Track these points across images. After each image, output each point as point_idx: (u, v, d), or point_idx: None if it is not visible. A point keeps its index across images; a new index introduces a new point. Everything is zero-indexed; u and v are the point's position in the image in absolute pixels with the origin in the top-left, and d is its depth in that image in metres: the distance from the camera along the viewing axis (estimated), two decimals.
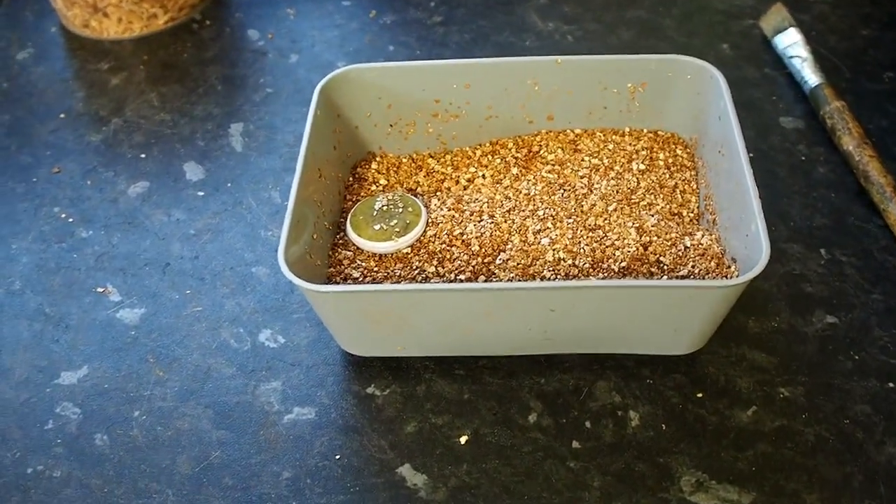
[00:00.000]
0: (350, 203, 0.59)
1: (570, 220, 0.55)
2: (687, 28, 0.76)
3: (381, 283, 0.54)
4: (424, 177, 0.60)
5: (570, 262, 0.53)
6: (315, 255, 0.53)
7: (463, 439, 0.51)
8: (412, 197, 0.57)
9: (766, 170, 0.64)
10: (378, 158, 0.62)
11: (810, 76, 0.67)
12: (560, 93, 0.60)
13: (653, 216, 0.55)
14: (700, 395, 0.52)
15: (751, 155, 0.64)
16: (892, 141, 0.65)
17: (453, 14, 0.78)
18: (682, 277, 0.52)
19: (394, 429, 0.51)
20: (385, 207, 0.56)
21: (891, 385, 0.52)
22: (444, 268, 0.54)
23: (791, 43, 0.70)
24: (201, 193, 0.65)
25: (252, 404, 0.53)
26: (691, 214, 0.57)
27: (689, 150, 0.60)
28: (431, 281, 0.53)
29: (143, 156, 0.69)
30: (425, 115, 0.61)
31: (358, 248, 0.56)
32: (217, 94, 0.73)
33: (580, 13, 0.77)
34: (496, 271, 0.54)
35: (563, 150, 0.60)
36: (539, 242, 0.54)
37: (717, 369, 0.53)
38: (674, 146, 0.60)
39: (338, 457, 0.50)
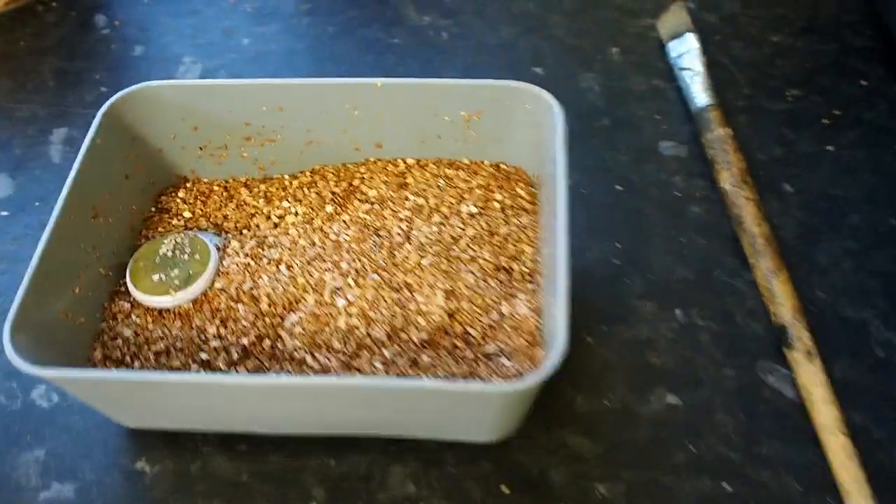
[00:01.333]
0: (142, 241, 0.52)
1: (376, 277, 0.48)
2: (577, 26, 0.67)
3: (154, 343, 0.47)
4: (234, 209, 0.53)
5: (363, 330, 0.46)
6: (79, 311, 0.47)
7: None
8: (204, 240, 0.50)
9: (632, 207, 0.56)
10: (188, 185, 0.55)
11: (699, 94, 0.59)
12: (386, 119, 0.52)
13: (472, 273, 0.48)
14: (506, 489, 0.45)
15: (619, 188, 0.56)
16: (783, 175, 0.57)
17: (322, 2, 0.70)
18: (487, 356, 0.45)
19: None
20: (170, 253, 0.50)
21: (724, 485, 0.45)
22: (226, 328, 0.47)
23: (685, 51, 0.61)
24: (5, 213, 0.59)
25: (8, 476, 0.47)
26: (524, 269, 0.49)
27: (532, 191, 0.52)
28: (210, 343, 0.47)
29: None
30: (237, 139, 0.53)
31: (137, 300, 0.49)
32: (47, 92, 0.66)
33: (460, 5, 0.68)
34: (283, 335, 0.47)
35: (386, 185, 0.52)
36: (334, 303, 0.47)
37: (530, 457, 0.46)
38: (514, 184, 0.52)
39: None
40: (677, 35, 0.62)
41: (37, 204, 0.59)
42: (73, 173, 0.47)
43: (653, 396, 0.48)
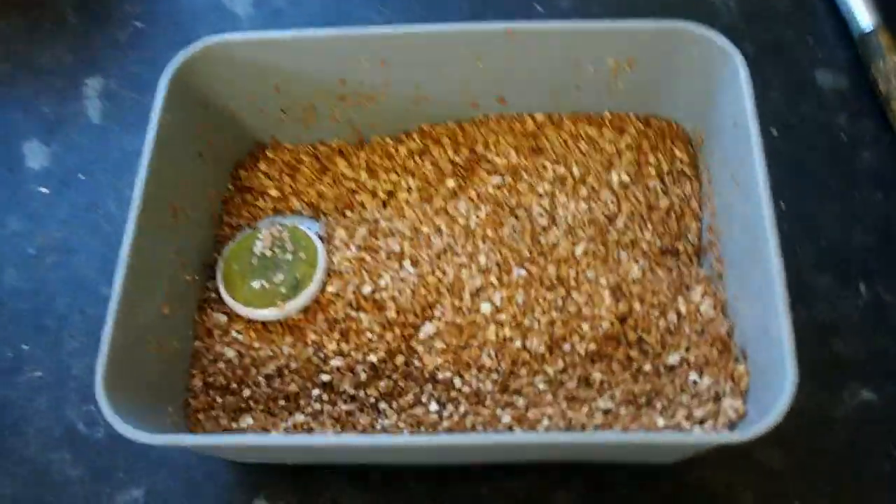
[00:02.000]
0: (227, 230, 0.43)
1: (523, 272, 0.40)
2: None
3: (263, 365, 0.40)
4: (330, 185, 0.45)
5: (518, 343, 0.39)
6: (170, 334, 0.39)
7: None
8: (305, 231, 0.42)
9: (792, 155, 0.47)
10: (268, 153, 0.46)
11: (861, 13, 0.49)
12: (514, 70, 0.42)
13: (637, 262, 0.40)
14: None
15: (774, 131, 0.48)
16: None
17: None
18: (670, 368, 0.38)
19: None
20: (268, 252, 0.41)
21: None
22: (348, 343, 0.40)
23: None
24: (45, 190, 0.50)
25: None
26: (690, 248, 0.42)
27: (691, 151, 0.43)
28: (331, 363, 0.39)
29: None
30: (329, 99, 0.44)
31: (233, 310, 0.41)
32: (69, 31, 0.55)
33: None
34: (418, 349, 0.39)
35: (517, 150, 0.44)
36: (478, 309, 0.39)
37: (714, 474, 0.40)
38: (671, 143, 0.44)
39: None
40: None
41: (81, 177, 0.50)
42: (143, 167, 0.38)
43: (846, 393, 0.41)
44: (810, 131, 0.48)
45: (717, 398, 0.36)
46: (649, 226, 0.41)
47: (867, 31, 0.49)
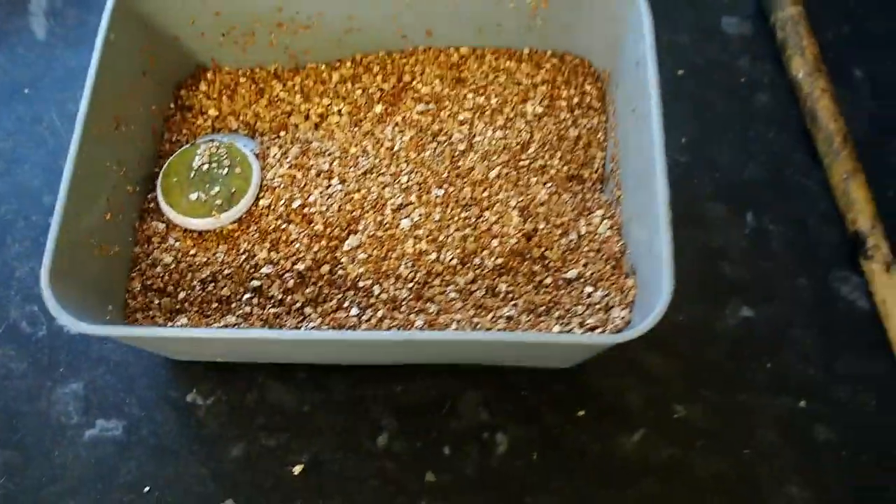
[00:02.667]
0: (167, 146, 0.46)
1: (441, 192, 0.44)
2: None
3: (199, 270, 0.43)
4: (266, 106, 0.47)
5: (434, 256, 0.42)
6: (112, 239, 0.42)
7: (297, 469, 0.43)
8: (241, 149, 0.45)
9: (696, 94, 0.52)
10: (209, 75, 0.48)
11: None
12: (441, 4, 0.46)
13: (545, 186, 0.44)
14: (581, 412, 0.44)
15: (680, 72, 0.52)
16: (851, 57, 0.53)
17: None
18: (568, 282, 0.42)
19: (216, 452, 0.43)
20: (206, 167, 0.44)
21: (802, 404, 0.44)
22: (277, 252, 0.43)
23: None
24: None
25: (47, 415, 0.44)
26: (595, 176, 0.46)
27: (600, 86, 0.47)
28: (262, 271, 0.43)
29: None
30: (266, 25, 0.47)
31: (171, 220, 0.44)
32: None
33: None
34: (342, 260, 0.43)
35: (441, 79, 0.47)
36: (398, 225, 0.43)
37: (606, 379, 0.45)
38: (582, 79, 0.47)
39: (147, 489, 0.42)
40: None
41: (26, 91, 0.52)
42: (90, 82, 0.41)
43: (728, 310, 0.46)
44: (714, 73, 0.52)
45: (608, 308, 0.41)
46: (558, 154, 0.45)
47: None
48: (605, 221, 0.43)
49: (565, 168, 0.45)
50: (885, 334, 0.45)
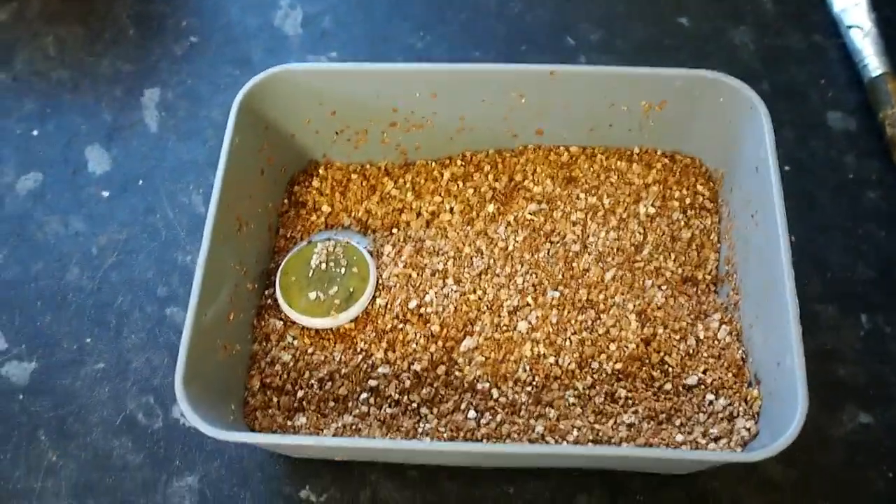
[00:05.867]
0: (282, 242, 0.47)
1: (557, 294, 0.44)
2: None
3: (316, 369, 0.43)
4: (378, 203, 0.48)
5: (551, 359, 0.42)
6: (235, 338, 0.42)
7: None
8: (357, 248, 0.45)
9: (802, 190, 0.51)
10: (322, 171, 0.49)
11: (871, 59, 0.53)
12: (553, 106, 0.46)
13: (661, 289, 0.44)
14: None
15: (786, 168, 0.52)
16: None
17: None
18: (689, 389, 0.42)
19: None
20: (324, 266, 0.45)
21: None
22: (394, 352, 0.43)
23: (850, 4, 0.55)
24: (106, 193, 0.53)
25: None
26: (708, 277, 0.45)
27: (712, 187, 0.47)
28: (378, 371, 0.43)
29: (35, 133, 0.55)
30: (380, 124, 0.48)
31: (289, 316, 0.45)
32: (128, 43, 0.58)
33: None
34: (459, 361, 0.43)
35: (552, 179, 0.47)
36: (515, 327, 0.43)
37: (723, 485, 0.44)
38: (694, 179, 0.47)
39: None
40: None
41: (140, 183, 0.53)
42: (217, 189, 0.42)
43: (845, 415, 0.45)
44: (820, 169, 0.52)
45: (732, 418, 0.40)
46: (672, 255, 0.45)
47: (876, 76, 0.52)
48: (723, 326, 0.43)
49: (679, 270, 0.45)
50: None
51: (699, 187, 0.47)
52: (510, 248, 0.45)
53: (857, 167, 0.52)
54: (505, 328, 0.43)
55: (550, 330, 0.43)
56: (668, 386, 0.42)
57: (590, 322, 0.43)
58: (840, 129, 0.53)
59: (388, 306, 0.44)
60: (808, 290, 0.49)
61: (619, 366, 0.42)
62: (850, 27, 0.55)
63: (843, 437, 0.45)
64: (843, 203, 0.51)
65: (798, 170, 0.52)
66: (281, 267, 0.45)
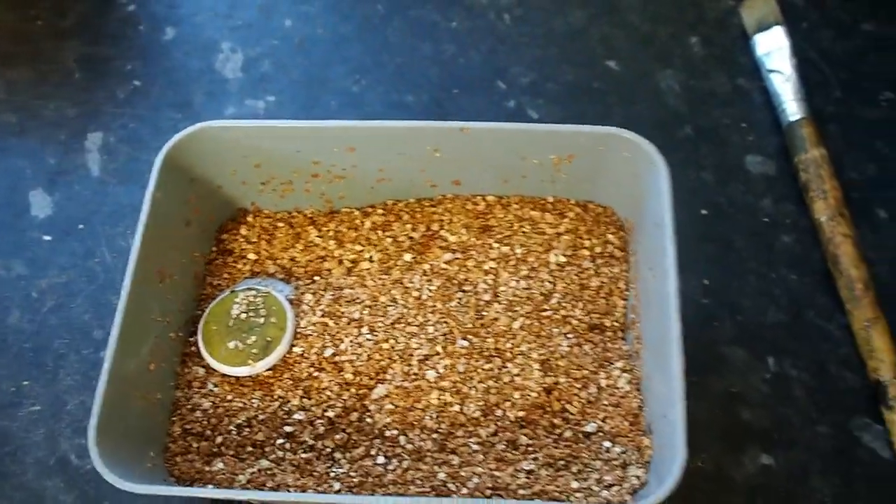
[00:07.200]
0: (209, 289, 0.49)
1: (466, 343, 0.46)
2: (652, 9, 0.61)
3: (235, 416, 0.45)
4: (302, 250, 0.50)
5: (457, 407, 0.44)
6: (154, 387, 0.44)
7: None
8: (278, 297, 0.47)
9: (719, 235, 0.53)
10: (250, 219, 0.51)
11: (790, 104, 0.54)
12: (467, 159, 0.48)
13: (567, 337, 0.46)
14: None
15: (703, 212, 0.53)
16: (877, 197, 0.53)
17: None
18: (587, 435, 0.43)
19: None
20: (243, 315, 0.47)
21: None
22: (310, 399, 0.45)
23: (773, 49, 0.56)
24: (48, 238, 0.55)
25: None
26: (616, 325, 0.47)
27: (623, 236, 0.49)
28: (294, 417, 0.45)
29: None
30: (303, 175, 0.49)
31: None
32: (74, 86, 0.60)
33: None
34: (371, 408, 0.45)
35: (468, 228, 0.49)
36: (424, 376, 0.45)
37: None
38: (605, 228, 0.49)
39: None
40: (764, 27, 0.57)
41: (80, 227, 0.55)
42: (137, 241, 0.44)
43: (747, 457, 0.47)
44: (738, 213, 0.54)
45: (625, 465, 0.42)
46: (580, 304, 0.47)
47: (793, 121, 0.54)
48: (623, 375, 0.45)
49: (587, 318, 0.47)
50: None
51: (609, 236, 0.49)
52: (423, 297, 0.47)
53: (774, 211, 0.54)
54: (414, 377, 0.45)
55: (457, 378, 0.45)
56: (568, 433, 0.44)
57: (496, 370, 0.45)
58: (759, 173, 0.55)
59: (305, 354, 0.46)
60: (718, 332, 0.50)
61: (521, 413, 0.44)
62: (770, 71, 0.56)
63: (744, 480, 0.47)
64: (758, 247, 0.53)
65: (716, 214, 0.54)
66: (203, 317, 0.47)
